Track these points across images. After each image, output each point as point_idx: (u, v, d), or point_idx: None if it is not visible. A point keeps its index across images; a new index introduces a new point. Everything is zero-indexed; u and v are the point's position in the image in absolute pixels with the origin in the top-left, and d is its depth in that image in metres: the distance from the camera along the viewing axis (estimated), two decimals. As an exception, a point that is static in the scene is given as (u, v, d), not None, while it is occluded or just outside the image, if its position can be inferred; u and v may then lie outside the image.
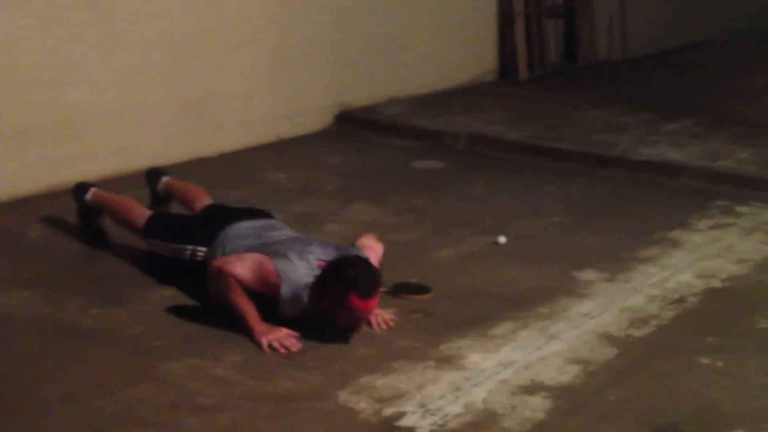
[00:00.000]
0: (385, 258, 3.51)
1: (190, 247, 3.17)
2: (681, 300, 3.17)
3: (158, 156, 4.69)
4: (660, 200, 4.28)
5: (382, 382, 2.59)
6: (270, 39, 5.27)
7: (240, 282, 2.86)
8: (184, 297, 3.16)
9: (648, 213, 4.09)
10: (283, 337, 2.81)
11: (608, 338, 2.88)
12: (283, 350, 2.77)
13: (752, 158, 4.71)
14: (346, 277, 2.76)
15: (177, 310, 3.06)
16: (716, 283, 3.31)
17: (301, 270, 2.87)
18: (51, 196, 4.18)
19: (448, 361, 2.72)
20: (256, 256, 2.91)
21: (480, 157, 5.06)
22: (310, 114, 5.53)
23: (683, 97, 6.21)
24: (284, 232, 3.17)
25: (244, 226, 3.17)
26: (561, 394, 2.54)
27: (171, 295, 3.17)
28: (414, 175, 4.72)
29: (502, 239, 3.67)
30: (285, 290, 2.84)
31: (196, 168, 4.76)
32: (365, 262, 2.86)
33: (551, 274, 3.38)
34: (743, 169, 4.56)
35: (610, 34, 7.53)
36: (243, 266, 2.88)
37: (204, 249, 3.13)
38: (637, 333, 2.92)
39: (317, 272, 2.87)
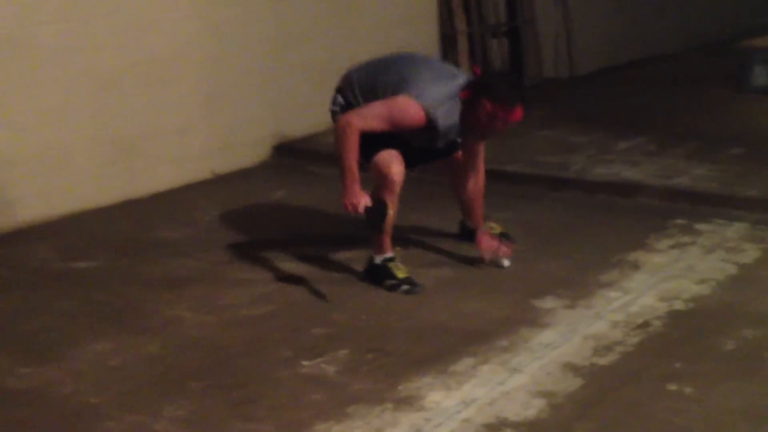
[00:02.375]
0: (336, 297, 3.53)
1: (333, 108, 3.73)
2: (645, 324, 3.23)
3: (87, 199, 4.65)
4: (617, 221, 4.38)
5: (338, 429, 2.58)
6: (202, 70, 5.27)
7: (366, 130, 3.37)
8: (120, 350, 3.11)
9: (606, 235, 4.18)
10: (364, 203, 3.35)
11: (572, 368, 2.92)
12: (354, 213, 3.36)
13: (709, 174, 4.84)
14: (507, 95, 3.40)
15: (113, 365, 3.01)
16: (679, 305, 3.39)
17: (446, 100, 3.43)
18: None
19: (407, 402, 2.72)
20: (387, 102, 3.42)
21: (430, 183, 5.09)
22: (247, 147, 5.53)
23: (635, 113, 6.37)
24: (414, 67, 3.57)
25: (371, 63, 3.72)
26: (527, 430, 2.57)
27: (106, 348, 3.12)
28: (362, 207, 4.74)
29: (506, 263, 3.78)
30: (442, 123, 3.43)
31: (127, 210, 4.72)
32: (510, 75, 3.55)
33: (510, 304, 3.42)
34: (700, 185, 4.68)
35: (556, 51, 7.72)
36: (367, 116, 3.38)
37: (340, 97, 3.71)
38: (602, 361, 2.97)
39: (457, 99, 3.45)
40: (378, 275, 3.59)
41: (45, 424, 2.65)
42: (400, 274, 3.57)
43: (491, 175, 5.08)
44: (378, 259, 3.60)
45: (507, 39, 7.40)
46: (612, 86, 7.39)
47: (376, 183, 3.53)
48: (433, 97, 3.42)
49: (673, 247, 3.99)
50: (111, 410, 2.71)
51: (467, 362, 2.97)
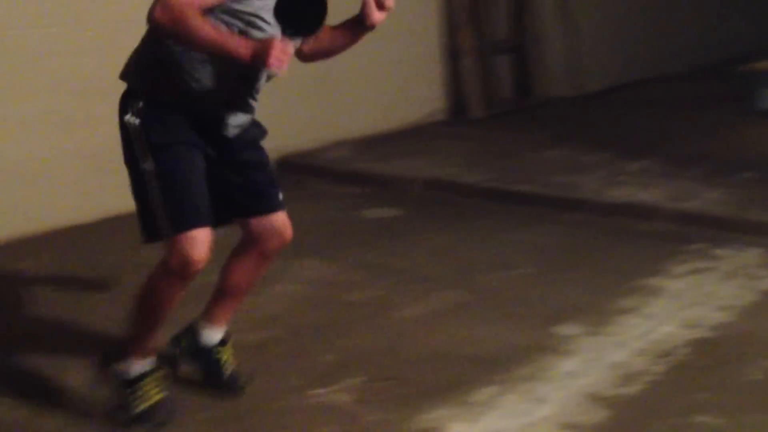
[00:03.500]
0: (344, 321, 3.50)
1: None
2: (669, 353, 3.23)
3: (65, 216, 4.52)
4: (632, 244, 4.38)
5: (356, 462, 2.57)
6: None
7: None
8: (44, 410, 2.89)
9: (622, 259, 4.18)
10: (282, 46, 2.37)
11: (598, 399, 2.90)
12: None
13: (723, 198, 4.87)
14: None
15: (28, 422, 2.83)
16: (703, 333, 3.39)
17: None
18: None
19: (427, 434, 2.70)
20: None
21: (436, 203, 5.11)
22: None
23: (643, 134, 6.42)
24: None
25: None
26: (554, 463, 2.56)
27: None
28: (366, 226, 4.72)
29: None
30: None
31: (110, 228, 4.61)
32: None
33: (528, 330, 3.41)
34: (717, 209, 4.70)
35: (563, 68, 7.78)
36: None
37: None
38: (628, 391, 2.96)
39: None
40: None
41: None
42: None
43: (500, 195, 5.16)
44: (122, 371, 2.73)
45: (514, 56, 7.44)
46: (619, 106, 7.46)
47: (160, 264, 2.71)
48: None
49: (691, 272, 4.00)
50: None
51: (488, 391, 2.94)
